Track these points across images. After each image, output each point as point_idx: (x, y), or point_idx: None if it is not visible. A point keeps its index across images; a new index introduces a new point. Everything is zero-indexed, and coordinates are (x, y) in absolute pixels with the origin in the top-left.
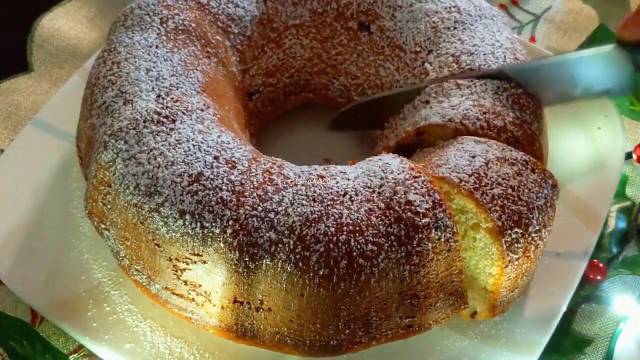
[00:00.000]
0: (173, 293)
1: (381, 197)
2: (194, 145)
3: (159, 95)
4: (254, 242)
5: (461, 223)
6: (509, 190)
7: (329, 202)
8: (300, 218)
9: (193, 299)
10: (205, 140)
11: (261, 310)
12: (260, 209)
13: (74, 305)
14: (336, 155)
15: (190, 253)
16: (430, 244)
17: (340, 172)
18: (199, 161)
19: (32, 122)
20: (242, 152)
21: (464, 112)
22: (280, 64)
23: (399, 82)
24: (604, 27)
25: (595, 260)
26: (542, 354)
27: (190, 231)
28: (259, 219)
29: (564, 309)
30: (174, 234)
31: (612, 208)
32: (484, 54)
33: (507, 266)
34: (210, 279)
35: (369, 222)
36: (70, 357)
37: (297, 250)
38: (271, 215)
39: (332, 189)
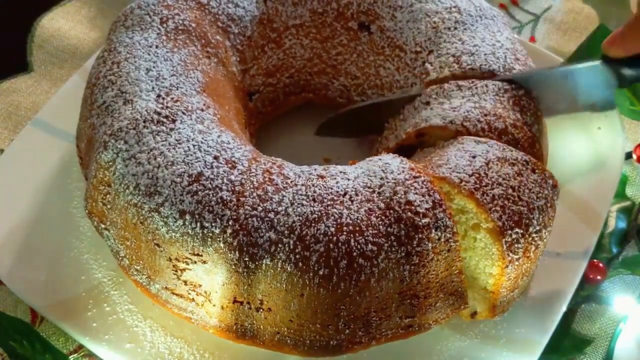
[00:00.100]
0: (173, 293)
1: (381, 197)
2: (194, 145)
3: (159, 95)
4: (254, 242)
5: (461, 223)
6: (510, 191)
7: (329, 202)
8: (300, 218)
9: (193, 299)
10: (205, 140)
11: (261, 310)
12: (260, 209)
13: (74, 305)
14: (336, 155)
15: (190, 253)
16: (430, 244)
17: (340, 172)
18: (199, 161)
19: (32, 122)
20: (242, 152)
21: (465, 114)
22: (280, 64)
23: (399, 82)
24: (604, 27)
25: (595, 260)
26: (542, 354)
27: (190, 231)
28: (259, 219)
29: (564, 309)
30: (173, 234)
31: (612, 208)
32: (485, 54)
33: (507, 266)
34: (210, 279)
35: (369, 222)
36: (70, 357)
37: (297, 250)
38: (271, 215)
39: (332, 189)
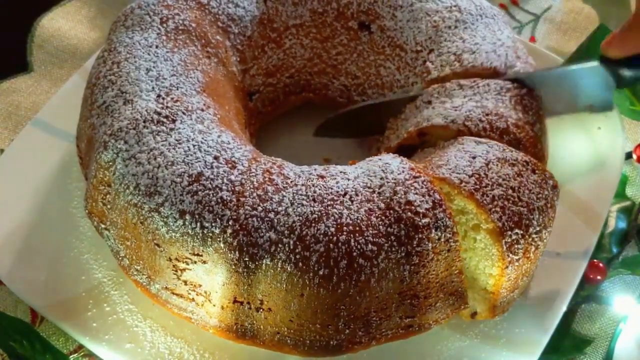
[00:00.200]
0: (173, 293)
1: (381, 197)
2: (194, 145)
3: (159, 95)
4: (254, 242)
5: (461, 224)
6: (510, 191)
7: (329, 202)
8: (300, 218)
9: (193, 299)
10: (205, 140)
11: (261, 310)
12: (260, 209)
13: (74, 305)
14: (336, 156)
15: (190, 253)
16: (430, 244)
17: (341, 172)
18: (199, 161)
19: (32, 122)
20: (242, 152)
21: (467, 114)
22: (281, 64)
23: (400, 81)
24: (604, 27)
25: (595, 260)
26: (542, 354)
27: (190, 231)
28: (259, 219)
29: (564, 309)
30: (174, 234)
31: (612, 208)
32: (486, 52)
33: (507, 267)
34: (210, 279)
35: (369, 222)
36: (71, 357)
37: (297, 250)
38: (271, 215)
39: (332, 189)
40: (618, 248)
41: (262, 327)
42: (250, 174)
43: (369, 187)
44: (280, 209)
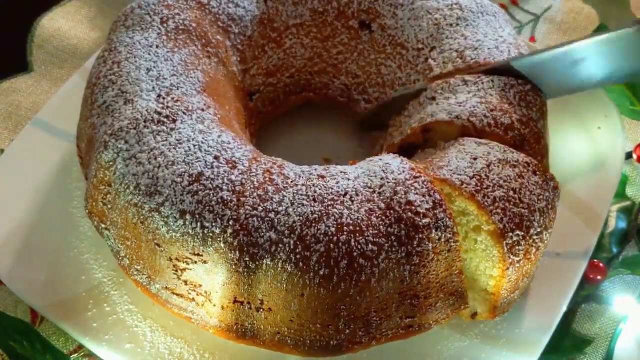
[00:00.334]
0: (173, 293)
1: (382, 198)
2: (194, 145)
3: (159, 95)
4: (255, 242)
5: (462, 225)
6: (511, 193)
7: (329, 202)
8: (301, 218)
9: (193, 299)
10: (206, 140)
11: (261, 310)
12: (260, 209)
13: (74, 305)
14: (336, 156)
15: (190, 253)
16: (430, 245)
17: (341, 172)
18: (200, 161)
19: (33, 122)
20: (242, 152)
21: (471, 110)
22: (281, 63)
23: (402, 79)
24: (604, 27)
25: (595, 260)
26: (543, 354)
27: (190, 231)
28: (259, 219)
29: (564, 309)
30: (174, 234)
31: (612, 208)
32: (489, 49)
33: (508, 268)
34: (210, 279)
35: (369, 222)
36: (71, 357)
37: (297, 251)
38: (272, 215)
39: (332, 189)
40: (618, 248)
41: (262, 327)
42: (251, 174)
43: (370, 187)
44: (280, 209)
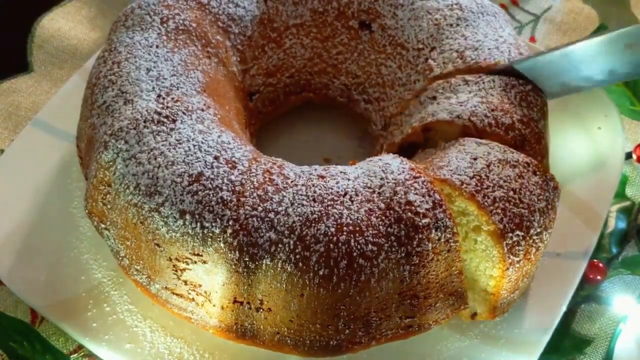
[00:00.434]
0: (173, 293)
1: (381, 198)
2: (194, 145)
3: (159, 95)
4: (254, 242)
5: (462, 225)
6: (511, 193)
7: (329, 202)
8: (301, 218)
9: (193, 299)
10: (206, 140)
11: (261, 310)
12: (260, 209)
13: (74, 305)
14: (336, 155)
15: (190, 253)
16: (430, 245)
17: (341, 172)
18: (199, 161)
19: (32, 122)
20: (242, 152)
21: (472, 109)
22: (281, 63)
23: (402, 79)
24: (604, 27)
25: (595, 260)
26: (542, 354)
27: (190, 231)
28: (259, 219)
29: (563, 309)
30: (174, 234)
31: (612, 208)
32: (489, 49)
33: (508, 269)
34: (210, 279)
35: (369, 222)
36: (71, 357)
37: (297, 251)
38: (271, 215)
39: (332, 189)
40: (618, 248)
41: (262, 327)
42: (251, 174)
43: (369, 187)
44: (280, 209)
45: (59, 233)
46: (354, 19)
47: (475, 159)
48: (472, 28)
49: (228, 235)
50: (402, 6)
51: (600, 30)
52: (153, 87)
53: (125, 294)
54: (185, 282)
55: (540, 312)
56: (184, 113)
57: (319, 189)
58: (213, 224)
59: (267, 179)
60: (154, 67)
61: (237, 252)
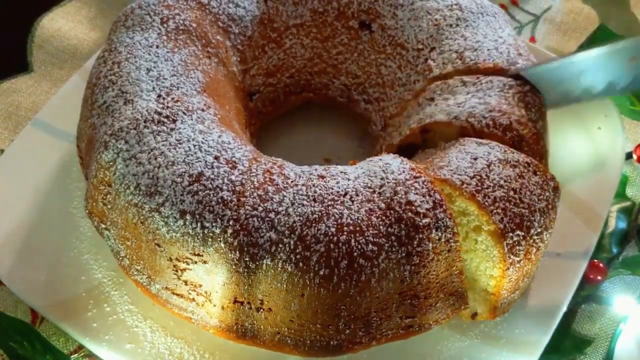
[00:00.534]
0: (173, 293)
1: (382, 198)
2: (194, 145)
3: (159, 95)
4: (255, 242)
5: (463, 225)
6: (511, 193)
7: (329, 202)
8: (301, 218)
9: (193, 299)
10: (206, 141)
11: (261, 310)
12: (260, 209)
13: (74, 305)
14: (336, 156)
15: (190, 253)
16: (430, 244)
17: (341, 172)
18: (200, 161)
19: (32, 122)
20: (242, 152)
21: (470, 110)
22: (281, 63)
23: (401, 79)
24: (604, 27)
25: (595, 260)
26: (543, 354)
27: (190, 231)
28: (259, 219)
29: (564, 309)
30: (174, 234)
31: (612, 208)
32: (488, 50)
33: (508, 269)
34: (210, 279)
35: (369, 222)
36: (71, 357)
37: (297, 251)
38: (272, 215)
39: (332, 189)
40: (618, 248)
41: (262, 327)
42: (251, 174)
43: (370, 187)
44: (280, 209)
45: (59, 233)
46: (354, 19)
47: (475, 158)
48: (472, 28)
49: (228, 235)
50: (402, 6)
51: (600, 30)
52: (153, 87)
53: (126, 294)
54: (186, 282)
55: (541, 312)
56: (184, 113)
57: (320, 189)
58: (213, 224)
59: (267, 179)
60: (154, 67)
61: (237, 252)
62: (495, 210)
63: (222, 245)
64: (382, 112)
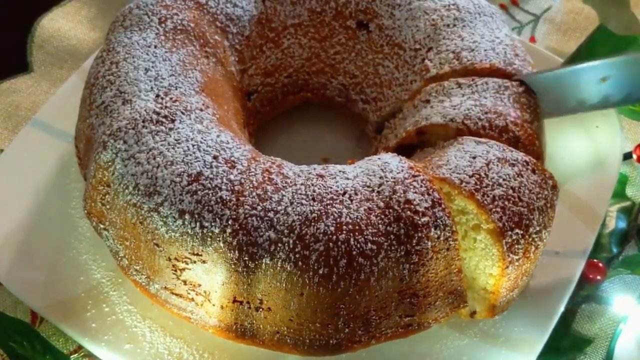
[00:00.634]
0: (172, 293)
1: (380, 196)
2: (193, 145)
3: (157, 95)
4: (254, 242)
5: (462, 224)
6: (510, 191)
7: (328, 202)
8: (300, 217)
9: (192, 299)
10: (205, 140)
11: (261, 309)
12: (259, 208)
13: (73, 305)
14: (335, 155)
15: (189, 253)
16: (429, 243)
17: (340, 171)
18: (198, 161)
19: (31, 122)
20: (241, 151)
21: (466, 112)
22: (279, 63)
23: (399, 79)
24: (603, 27)
25: (595, 260)
26: (542, 353)
27: (189, 231)
28: (258, 218)
29: (562, 307)
30: (173, 234)
31: (612, 208)
32: (485, 50)
33: (507, 267)
34: (209, 279)
35: (368, 221)
36: (71, 357)
37: (296, 250)
38: (271, 214)
39: (331, 188)
40: (618, 248)
41: (261, 326)
42: (250, 174)
43: (368, 186)
44: (279, 208)
45: (57, 233)
46: (351, 18)
47: (474, 157)
48: (469, 29)
49: (227, 234)
50: (400, 6)
51: (599, 30)
52: (151, 87)
53: (125, 294)
54: (185, 282)
55: (539, 310)
56: (182, 113)
57: (318, 188)
58: (212, 224)
59: (266, 178)
60: (153, 67)
61: (236, 252)
62: (494, 209)
63: (221, 244)
64: (380, 112)
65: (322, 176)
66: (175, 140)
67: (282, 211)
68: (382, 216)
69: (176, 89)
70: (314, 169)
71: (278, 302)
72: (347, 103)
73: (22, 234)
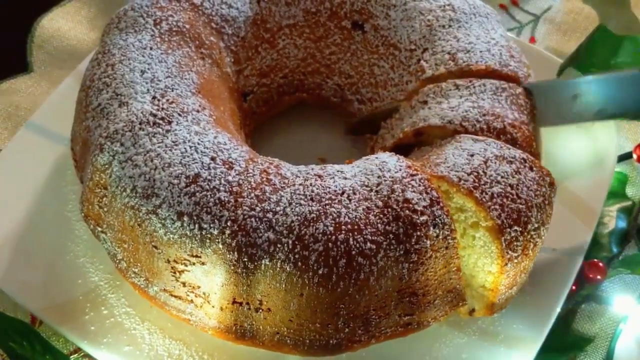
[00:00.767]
0: (171, 295)
1: (379, 196)
2: (190, 147)
3: (154, 97)
4: (253, 243)
5: (460, 222)
6: (508, 189)
7: (327, 202)
8: (299, 218)
9: (192, 301)
10: (202, 142)
11: (260, 310)
12: (258, 209)
13: (71, 308)
14: (332, 155)
15: (188, 254)
16: (428, 242)
17: (338, 171)
18: (196, 162)
19: (26, 125)
20: (239, 152)
21: (464, 114)
22: (274, 64)
23: (394, 80)
24: (603, 27)
25: (595, 260)
26: (543, 352)
27: (188, 232)
28: (257, 219)
29: (561, 304)
30: (171, 236)
31: (612, 208)
32: (480, 51)
33: (506, 264)
34: (209, 280)
35: (367, 220)
36: (70, 357)
37: (296, 250)
38: (269, 215)
39: (329, 188)
40: (618, 248)
41: (261, 327)
42: (248, 175)
43: (367, 186)
44: (278, 208)
45: (54, 236)
46: (346, 19)
47: (472, 155)
48: (465, 29)
49: (226, 236)
50: (395, 7)
51: (599, 30)
52: (148, 89)
53: (123, 297)
54: (184, 284)
55: (538, 307)
56: (179, 114)
57: (317, 188)
58: (211, 225)
59: (264, 179)
60: (148, 68)
61: (235, 253)
62: (492, 206)
63: (220, 246)
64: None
65: (320, 176)
66: (173, 142)
67: (281, 212)
68: (381, 215)
69: (172, 91)
70: (312, 169)
71: (278, 303)
72: (343, 103)
73: (19, 237)
